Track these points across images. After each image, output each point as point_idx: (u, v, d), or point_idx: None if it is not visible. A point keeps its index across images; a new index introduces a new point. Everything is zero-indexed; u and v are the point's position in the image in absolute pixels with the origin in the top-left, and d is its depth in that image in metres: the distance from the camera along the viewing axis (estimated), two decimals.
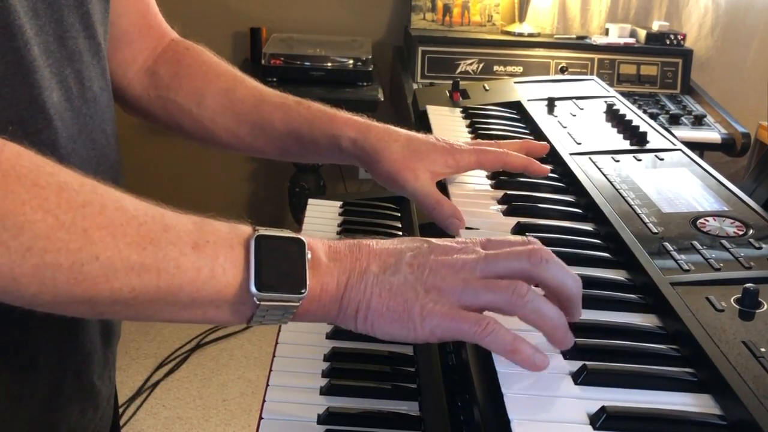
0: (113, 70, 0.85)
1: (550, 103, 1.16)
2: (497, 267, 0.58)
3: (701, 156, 0.99)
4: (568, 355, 0.60)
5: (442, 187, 0.87)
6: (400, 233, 1.01)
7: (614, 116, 1.10)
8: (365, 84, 2.63)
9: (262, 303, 0.54)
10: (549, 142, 1.01)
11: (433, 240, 0.61)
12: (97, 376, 0.75)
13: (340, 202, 1.10)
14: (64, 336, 0.69)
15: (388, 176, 0.83)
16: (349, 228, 1.01)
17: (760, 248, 0.73)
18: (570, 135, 1.04)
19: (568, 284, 0.59)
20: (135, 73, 0.88)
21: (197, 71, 0.89)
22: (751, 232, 0.76)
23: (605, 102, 1.17)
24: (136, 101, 0.89)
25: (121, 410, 2.35)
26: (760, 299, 0.63)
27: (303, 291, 0.55)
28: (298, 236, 0.57)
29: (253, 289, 0.54)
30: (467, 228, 0.80)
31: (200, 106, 0.87)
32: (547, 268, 0.58)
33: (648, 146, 1.01)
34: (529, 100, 1.20)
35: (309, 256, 0.56)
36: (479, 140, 0.94)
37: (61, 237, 0.48)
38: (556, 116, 1.13)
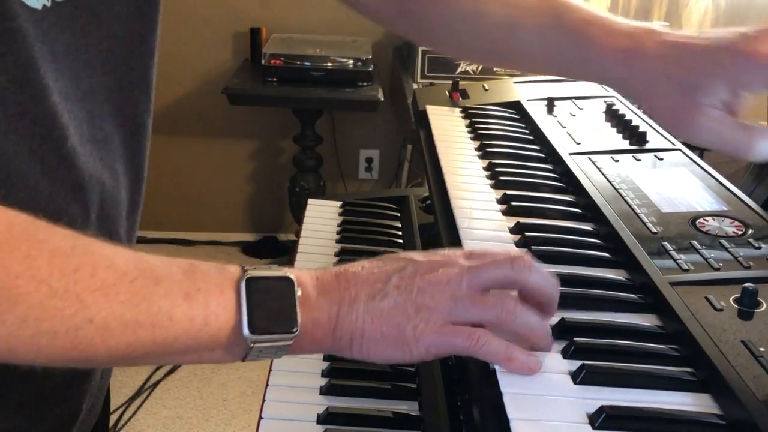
0: None
1: (550, 102, 1.16)
2: (481, 277, 0.59)
3: (701, 156, 0.99)
4: (567, 354, 0.60)
5: (440, 184, 0.87)
6: (400, 233, 1.01)
7: (614, 116, 1.10)
8: (365, 84, 2.63)
9: (255, 345, 0.55)
10: (548, 141, 1.01)
11: (416, 257, 0.62)
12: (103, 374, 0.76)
13: (340, 202, 1.10)
14: None
15: (669, 123, 0.72)
16: (349, 228, 1.01)
17: (759, 248, 0.73)
18: (569, 135, 1.04)
19: (548, 288, 0.61)
20: None
21: None
22: (750, 231, 0.77)
23: (605, 102, 1.17)
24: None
25: (121, 410, 2.35)
26: (759, 299, 0.63)
27: (295, 330, 0.55)
28: (287, 274, 0.57)
29: (246, 332, 0.54)
30: (467, 228, 0.80)
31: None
32: (530, 274, 0.60)
33: (647, 146, 1.00)
34: (528, 100, 1.20)
35: (299, 293, 0.57)
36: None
37: (55, 305, 0.48)
38: (555, 116, 1.13)
